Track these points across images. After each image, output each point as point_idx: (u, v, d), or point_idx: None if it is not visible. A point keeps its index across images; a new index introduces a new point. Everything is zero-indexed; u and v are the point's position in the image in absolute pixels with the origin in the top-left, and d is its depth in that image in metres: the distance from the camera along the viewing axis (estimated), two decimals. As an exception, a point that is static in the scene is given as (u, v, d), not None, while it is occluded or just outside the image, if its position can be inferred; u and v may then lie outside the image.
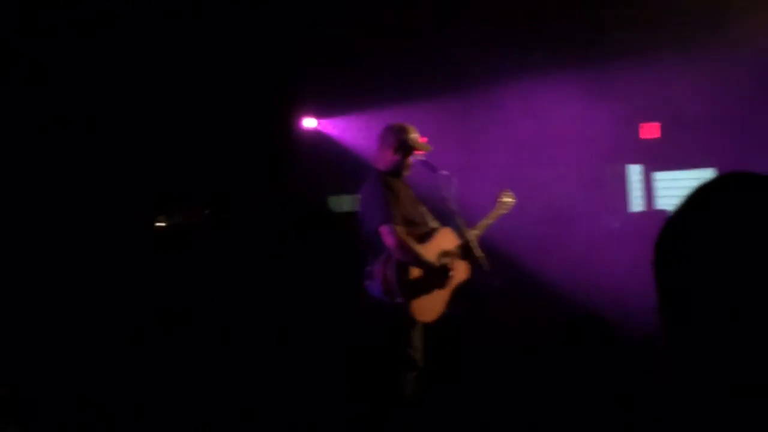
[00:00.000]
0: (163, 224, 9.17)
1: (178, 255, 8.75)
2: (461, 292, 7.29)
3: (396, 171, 7.11)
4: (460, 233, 7.27)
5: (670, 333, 1.73)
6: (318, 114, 10.54)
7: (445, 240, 7.17)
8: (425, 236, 7.04)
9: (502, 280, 8.82)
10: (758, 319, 1.58)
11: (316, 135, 10.47)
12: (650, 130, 11.27)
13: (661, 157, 11.62)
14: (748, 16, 8.92)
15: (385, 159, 7.14)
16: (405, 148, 7.08)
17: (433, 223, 7.23)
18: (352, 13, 9.19)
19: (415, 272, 6.76)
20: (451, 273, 7.00)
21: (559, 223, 10.65)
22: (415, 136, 7.16)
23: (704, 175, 11.01)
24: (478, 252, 7.18)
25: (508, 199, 7.73)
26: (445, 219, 7.52)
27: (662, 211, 11.40)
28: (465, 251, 7.22)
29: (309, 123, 10.44)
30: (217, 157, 9.40)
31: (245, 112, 9.65)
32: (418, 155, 7.27)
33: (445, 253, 7.05)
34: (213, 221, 9.29)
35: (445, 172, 7.36)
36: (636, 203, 12.07)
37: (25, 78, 8.40)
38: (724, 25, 9.17)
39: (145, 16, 8.50)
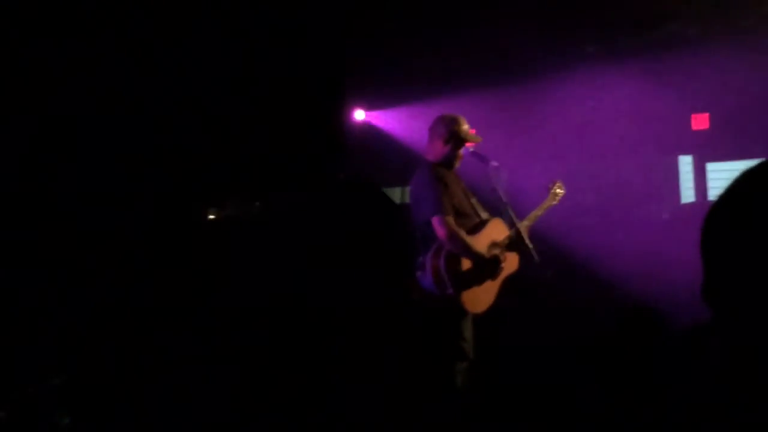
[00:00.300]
0: (214, 216, 9.25)
1: (231, 247, 8.84)
2: (512, 283, 7.30)
3: (447, 162, 7.13)
4: (511, 224, 7.29)
5: (716, 315, 1.78)
6: (368, 106, 10.57)
7: (496, 231, 7.18)
8: (476, 227, 7.05)
9: (553, 271, 8.85)
10: None
11: (366, 127, 10.50)
12: (701, 121, 11.19)
13: (713, 148, 11.53)
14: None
15: (435, 150, 7.17)
16: (456, 139, 7.10)
17: (484, 215, 7.24)
18: (401, 3, 9.22)
19: (466, 263, 6.77)
20: (501, 264, 7.02)
21: (610, 214, 10.62)
22: (465, 127, 7.18)
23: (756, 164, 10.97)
24: (528, 243, 7.20)
25: (558, 191, 7.72)
26: (496, 210, 7.55)
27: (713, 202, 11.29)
28: (515, 242, 7.24)
29: (359, 115, 10.48)
30: (270, 149, 9.46)
31: (297, 104, 9.70)
32: (469, 146, 7.30)
33: (496, 244, 7.07)
34: (265, 213, 9.35)
35: (495, 163, 7.38)
36: (687, 194, 11.98)
37: (77, 66, 8.51)
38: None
39: (200, 11, 8.59)
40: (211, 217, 9.24)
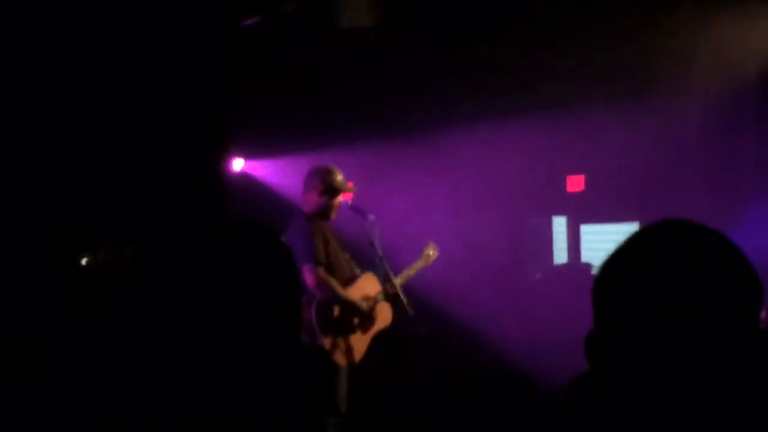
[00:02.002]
0: (86, 261, 9.02)
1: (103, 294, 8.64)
2: (383, 338, 7.32)
3: (322, 213, 7.16)
4: (386, 279, 7.32)
5: (597, 368, 1.85)
6: (247, 155, 10.48)
7: (369, 285, 7.23)
8: (349, 281, 7.09)
9: (426, 327, 8.87)
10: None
11: (244, 177, 10.41)
12: (576, 183, 11.38)
13: (587, 210, 11.73)
14: (672, 72, 9.09)
15: (311, 201, 7.20)
16: (330, 190, 7.14)
17: (357, 270, 7.29)
18: (285, 55, 9.21)
19: (337, 311, 6.79)
20: (373, 315, 7.04)
21: (484, 272, 10.69)
22: (340, 177, 7.23)
23: (628, 228, 11.20)
24: (403, 297, 7.23)
25: (431, 252, 7.85)
26: (372, 264, 7.56)
27: (586, 264, 11.50)
28: (388, 296, 7.28)
29: (237, 164, 10.38)
30: (145, 193, 9.30)
31: (175, 148, 9.57)
32: (347, 199, 7.32)
33: (368, 298, 7.09)
34: (139, 259, 9.17)
35: (372, 217, 7.44)
36: (560, 255, 12.15)
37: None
38: (648, 81, 9.35)
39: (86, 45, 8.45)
40: (83, 262, 9.02)
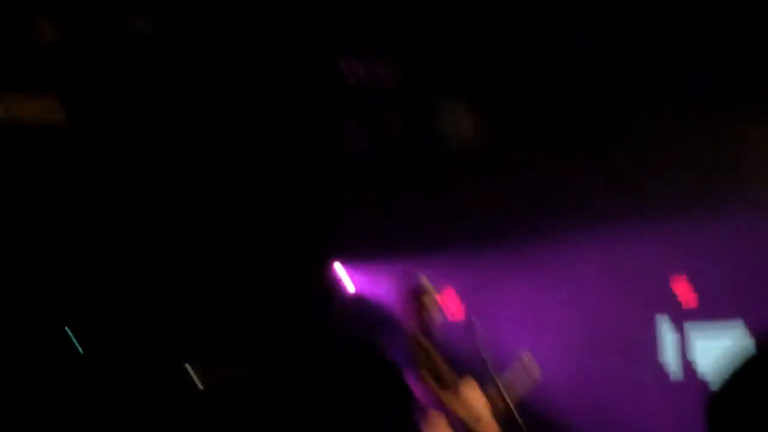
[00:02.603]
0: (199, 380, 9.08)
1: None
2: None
3: (423, 328, 7.26)
4: (499, 395, 7.31)
5: None
6: (350, 264, 10.55)
7: (473, 395, 7.22)
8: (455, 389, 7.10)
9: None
10: None
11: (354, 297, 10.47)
12: (681, 285, 11.26)
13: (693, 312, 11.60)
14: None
15: (408, 317, 7.30)
16: (419, 296, 7.24)
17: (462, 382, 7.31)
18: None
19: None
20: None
21: (594, 384, 10.57)
22: (430, 292, 7.32)
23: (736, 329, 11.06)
24: (517, 416, 7.21)
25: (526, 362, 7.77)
26: (481, 380, 7.57)
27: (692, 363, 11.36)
28: (498, 411, 7.28)
29: (341, 273, 10.45)
30: (254, 307, 9.41)
31: (281, 261, 9.69)
32: (470, 318, 7.39)
33: (474, 414, 7.08)
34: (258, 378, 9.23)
35: (481, 332, 7.45)
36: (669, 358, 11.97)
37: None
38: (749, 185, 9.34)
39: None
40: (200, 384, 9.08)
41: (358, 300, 10.36)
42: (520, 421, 7.31)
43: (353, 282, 10.56)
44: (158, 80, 8.48)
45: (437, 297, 7.32)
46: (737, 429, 1.74)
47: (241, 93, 8.67)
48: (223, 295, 9.43)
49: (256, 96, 8.68)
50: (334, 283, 10.42)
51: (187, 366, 9.12)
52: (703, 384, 10.22)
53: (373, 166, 9.55)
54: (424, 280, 7.37)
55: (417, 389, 6.73)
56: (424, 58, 8.25)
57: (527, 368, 7.74)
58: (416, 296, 7.28)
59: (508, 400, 7.23)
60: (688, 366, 11.48)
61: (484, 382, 7.47)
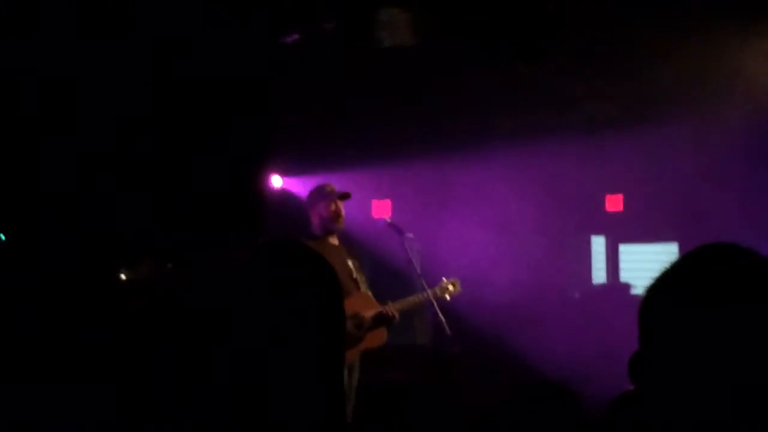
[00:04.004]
0: (125, 277, 9.05)
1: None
2: (419, 357, 7.34)
3: (323, 229, 7.33)
4: (424, 295, 7.35)
5: (643, 388, 1.82)
6: (285, 172, 10.50)
7: (361, 304, 7.27)
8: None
9: (462, 346, 8.87)
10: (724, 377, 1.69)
11: (282, 193, 10.44)
12: (614, 203, 11.34)
13: (626, 229, 11.71)
14: (713, 94, 9.06)
15: (311, 220, 7.38)
16: (319, 199, 7.30)
17: (362, 285, 7.37)
18: (324, 71, 9.24)
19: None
20: (360, 335, 7.12)
21: (522, 290, 10.64)
22: (329, 188, 7.39)
23: (667, 248, 11.18)
24: (441, 316, 7.26)
25: (451, 287, 7.81)
26: (410, 281, 7.60)
27: (625, 284, 11.48)
28: (382, 318, 7.32)
29: (275, 181, 10.39)
30: (186, 209, 9.33)
31: (214, 164, 9.60)
32: (385, 218, 7.42)
33: (356, 316, 7.13)
34: (181, 275, 9.19)
35: (409, 235, 7.48)
36: (599, 275, 12.11)
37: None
38: (689, 102, 9.33)
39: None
40: (123, 278, 9.04)
41: (286, 201, 10.32)
42: (446, 327, 7.37)
43: (291, 190, 10.53)
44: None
45: (339, 201, 7.37)
46: (669, 329, 1.78)
47: None
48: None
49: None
50: (267, 189, 10.36)
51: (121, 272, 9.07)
52: (633, 300, 10.37)
53: (311, 76, 9.47)
54: (327, 186, 7.45)
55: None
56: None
57: (446, 292, 7.78)
58: (316, 199, 7.36)
59: (395, 312, 7.30)
60: (620, 284, 11.65)
61: (417, 286, 7.53)
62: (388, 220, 7.65)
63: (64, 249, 8.72)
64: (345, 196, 7.48)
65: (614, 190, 11.32)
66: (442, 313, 7.47)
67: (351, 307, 7.11)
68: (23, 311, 8.09)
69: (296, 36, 8.20)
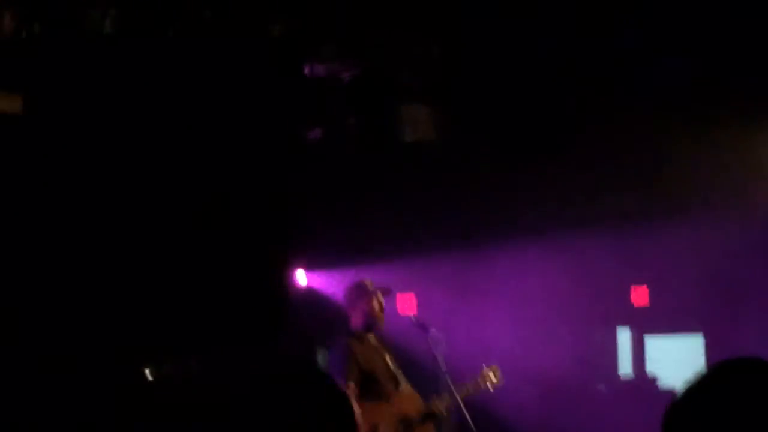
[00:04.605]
0: (150, 375, 9.00)
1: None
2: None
3: (365, 325, 7.29)
4: (450, 393, 7.30)
5: None
6: (309, 267, 10.50)
7: (408, 404, 7.21)
8: (388, 398, 7.10)
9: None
10: None
11: (308, 292, 10.43)
12: (640, 294, 11.28)
13: (652, 321, 11.65)
14: (734, 186, 9.09)
15: (352, 317, 7.35)
16: (362, 297, 7.29)
17: (402, 380, 7.31)
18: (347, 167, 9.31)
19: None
20: None
21: (548, 385, 10.56)
22: (370, 283, 7.38)
23: (694, 340, 11.11)
24: (466, 414, 7.20)
25: (492, 375, 7.73)
26: (435, 378, 7.55)
27: (652, 377, 11.40)
28: (431, 418, 7.26)
29: (300, 277, 10.38)
30: (209, 306, 9.33)
31: (240, 260, 9.62)
32: (411, 316, 7.42)
33: (406, 420, 7.07)
34: (202, 372, 9.16)
35: (434, 331, 7.46)
36: (624, 366, 12.01)
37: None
38: (711, 193, 9.35)
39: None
40: (148, 375, 9.01)
41: (311, 298, 10.32)
42: (470, 422, 7.31)
43: (312, 283, 10.53)
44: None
45: (380, 297, 7.35)
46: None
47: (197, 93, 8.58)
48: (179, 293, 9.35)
49: (213, 96, 8.61)
50: (292, 286, 10.37)
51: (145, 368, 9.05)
52: (659, 393, 10.29)
53: (333, 170, 9.53)
54: (367, 281, 7.42)
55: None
56: (382, 55, 8.22)
57: (488, 380, 7.70)
58: (358, 296, 7.34)
59: (442, 409, 7.25)
60: (645, 377, 11.53)
61: (437, 380, 7.48)
62: (414, 318, 7.64)
63: (89, 348, 8.74)
64: (386, 292, 7.48)
65: (639, 281, 11.27)
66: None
67: (398, 409, 7.08)
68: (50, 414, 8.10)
69: (318, 132, 8.28)
